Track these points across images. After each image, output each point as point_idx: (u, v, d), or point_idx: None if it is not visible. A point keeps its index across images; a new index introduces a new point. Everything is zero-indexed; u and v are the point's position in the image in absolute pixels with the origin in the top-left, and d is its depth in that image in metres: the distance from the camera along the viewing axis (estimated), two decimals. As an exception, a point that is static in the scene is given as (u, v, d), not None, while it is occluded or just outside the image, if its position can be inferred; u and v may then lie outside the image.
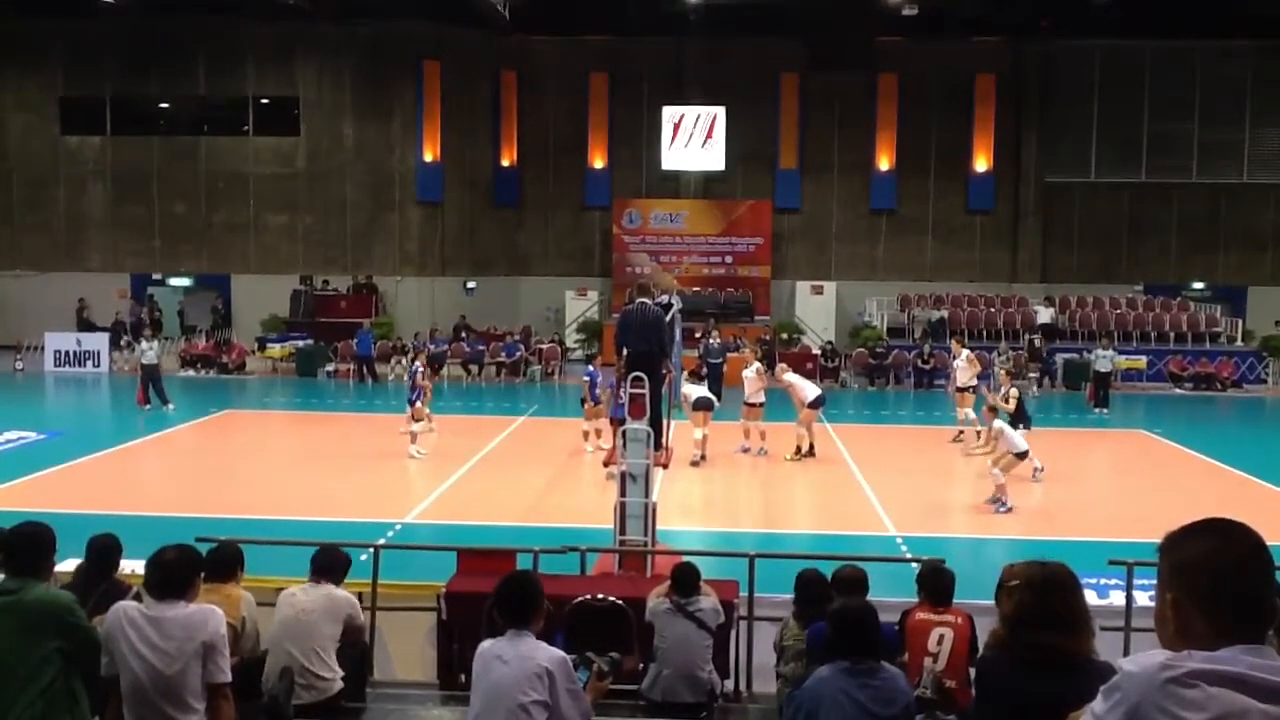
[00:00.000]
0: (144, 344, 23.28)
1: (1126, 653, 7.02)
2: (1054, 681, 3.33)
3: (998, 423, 15.13)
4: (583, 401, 18.15)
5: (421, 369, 18.81)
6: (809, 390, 18.01)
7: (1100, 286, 32.30)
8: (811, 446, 18.04)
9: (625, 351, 10.58)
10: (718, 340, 24.51)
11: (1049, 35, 31.13)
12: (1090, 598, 7.61)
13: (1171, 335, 29.80)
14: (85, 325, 31.22)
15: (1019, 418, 16.25)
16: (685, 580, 6.72)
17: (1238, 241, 32.59)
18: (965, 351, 19.77)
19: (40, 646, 4.36)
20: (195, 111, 33.20)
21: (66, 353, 28.82)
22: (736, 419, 18.63)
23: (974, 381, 19.37)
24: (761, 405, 18.41)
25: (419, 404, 18.13)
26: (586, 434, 17.96)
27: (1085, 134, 32.89)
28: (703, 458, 17.26)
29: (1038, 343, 28.68)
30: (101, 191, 32.96)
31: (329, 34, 31.21)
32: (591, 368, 18.53)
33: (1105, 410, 23.80)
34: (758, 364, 18.91)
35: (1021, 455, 14.72)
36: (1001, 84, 32.25)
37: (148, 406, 22.43)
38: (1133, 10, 28.02)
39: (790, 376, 18.32)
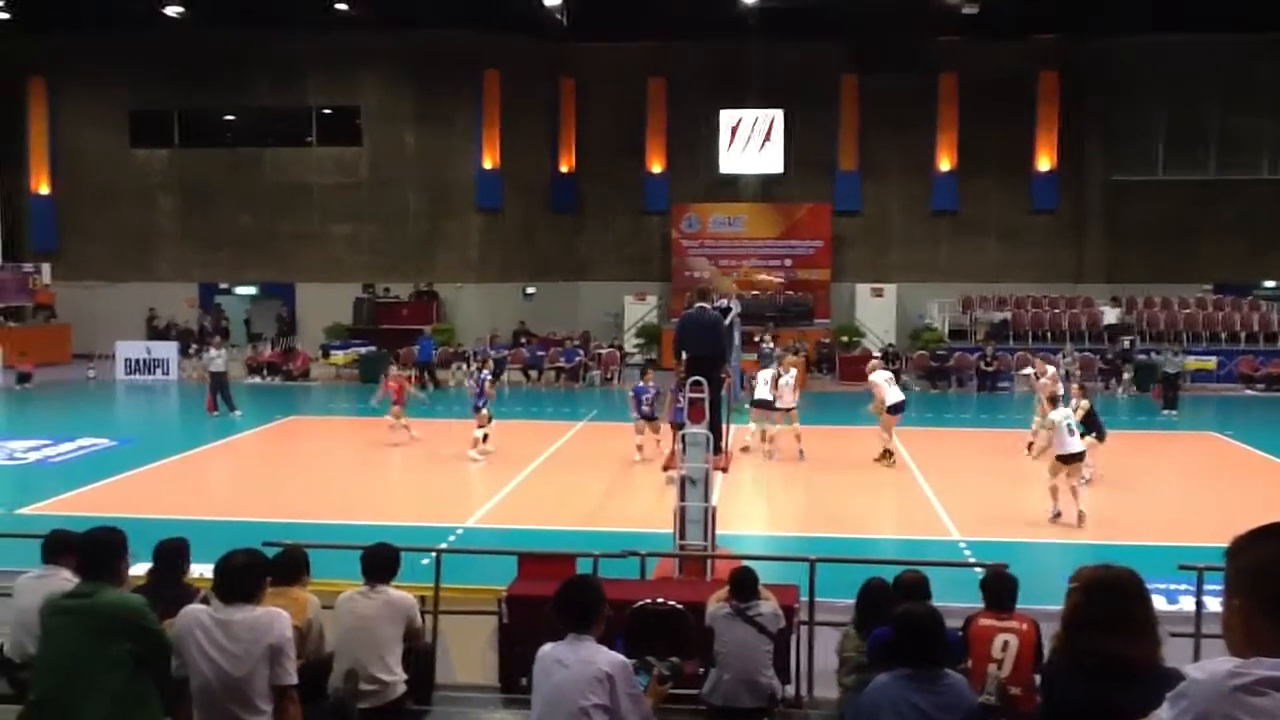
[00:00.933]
0: (212, 352, 23.72)
1: (1196, 659, 6.89)
2: (1116, 688, 3.26)
3: (1055, 415, 14.25)
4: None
5: (489, 376, 19.06)
6: (890, 395, 17.73)
7: (1168, 286, 31.68)
8: (889, 453, 17.73)
9: (684, 355, 10.60)
10: (770, 344, 24.49)
11: (1110, 31, 30.61)
12: (1159, 603, 7.48)
13: (1242, 335, 29.18)
14: (155, 334, 31.89)
15: (1092, 426, 15.60)
16: (744, 584, 6.70)
17: (1310, 239, 31.81)
18: (1050, 369, 18.63)
19: (112, 649, 4.46)
20: (259, 123, 33.79)
21: (137, 360, 29.42)
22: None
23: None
24: (790, 410, 18.41)
25: (484, 410, 18.31)
26: (640, 446, 17.50)
27: (1150, 131, 32.34)
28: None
29: (1128, 344, 28.08)
30: (170, 203, 33.68)
31: (388, 44, 31.62)
32: (641, 383, 17.79)
33: (1174, 412, 23.35)
34: (795, 370, 18.93)
35: (1068, 458, 13.85)
36: (1063, 81, 31.81)
37: (216, 413, 22.83)
38: (1196, 4, 27.48)
39: (876, 376, 18.05)
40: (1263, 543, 2.16)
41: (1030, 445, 17.62)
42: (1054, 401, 15.19)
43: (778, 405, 18.33)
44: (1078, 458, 13.93)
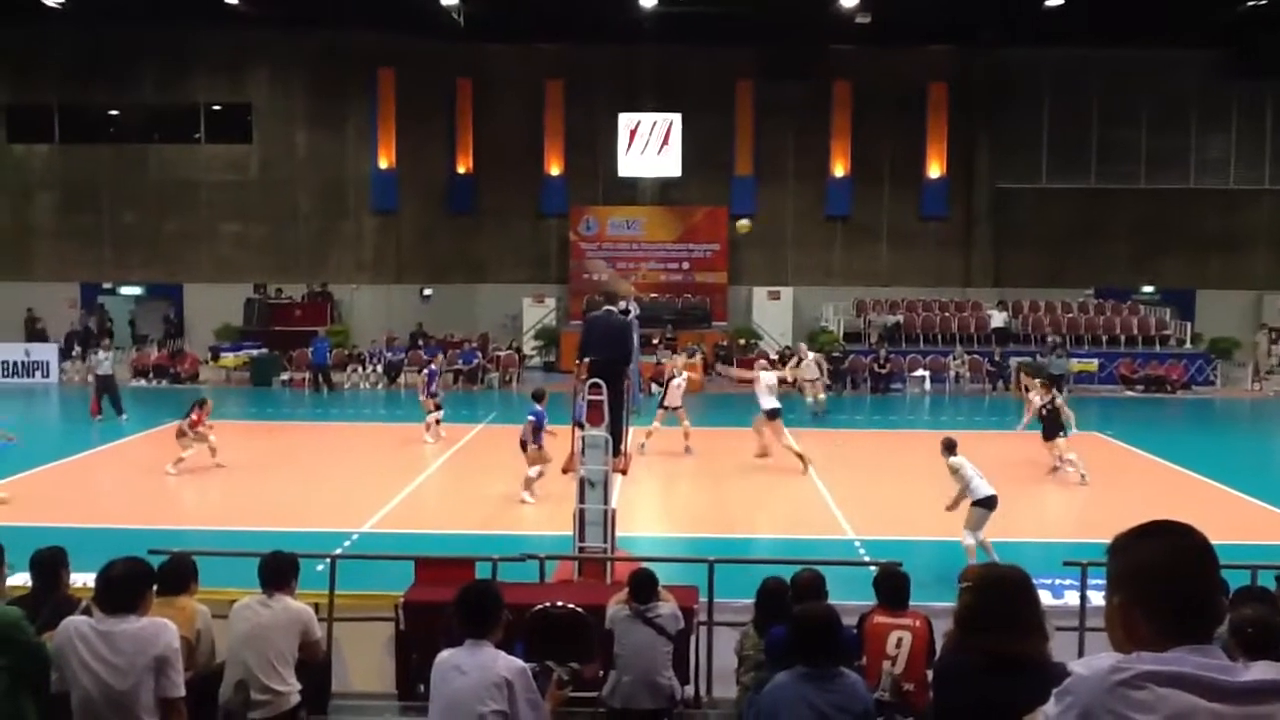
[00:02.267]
0: (100, 354, 23.00)
1: (1081, 653, 7.11)
2: (1007, 683, 3.34)
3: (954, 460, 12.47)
4: (523, 445, 15.35)
5: (438, 370, 21.35)
6: (766, 402, 17.90)
7: (1052, 290, 32.72)
8: (801, 456, 17.43)
9: (587, 359, 10.58)
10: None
11: (1000, 44, 31.49)
12: (1045, 598, 7.71)
13: (1122, 338, 30.22)
14: (35, 336, 30.74)
15: (1053, 425, 16.22)
16: (644, 586, 6.71)
17: (1186, 246, 33.13)
18: (1037, 381, 18.62)
19: (-12, 664, 4.28)
20: (145, 119, 32.76)
21: (15, 363, 28.37)
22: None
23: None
24: (677, 409, 18.95)
25: (435, 398, 20.03)
26: (529, 481, 15.24)
27: (1036, 141, 33.34)
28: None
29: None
30: (49, 200, 32.48)
31: (281, 41, 30.99)
32: (539, 407, 15.39)
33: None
34: (686, 372, 19.49)
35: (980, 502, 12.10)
36: (954, 91, 32.60)
37: (100, 417, 22.12)
38: (1080, 19, 28.40)
39: (765, 377, 18.21)
40: (1142, 542, 2.22)
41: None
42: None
43: (665, 404, 18.71)
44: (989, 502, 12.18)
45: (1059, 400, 17.61)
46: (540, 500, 14.99)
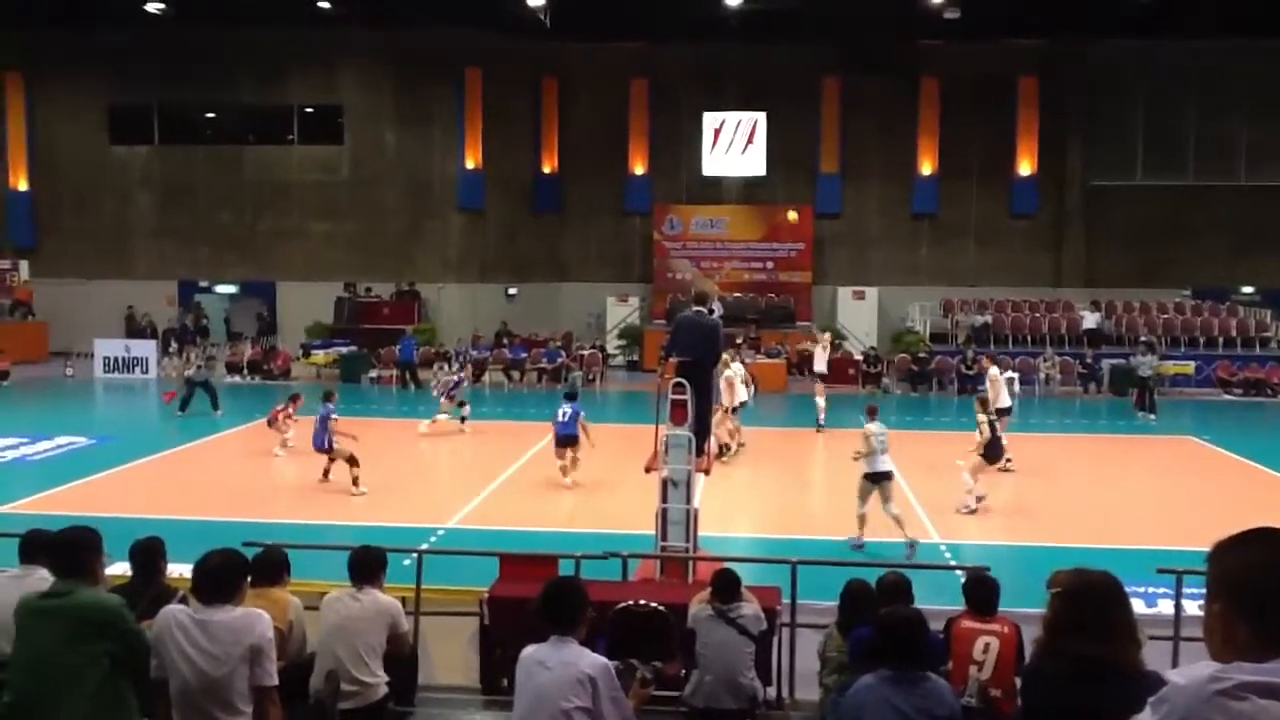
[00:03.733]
0: (194, 363, 24.27)
1: (1175, 663, 6.94)
2: (1097, 691, 3.29)
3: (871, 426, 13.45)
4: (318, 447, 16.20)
5: (464, 379, 21.82)
6: (729, 396, 17.92)
7: (1147, 290, 31.88)
8: (726, 447, 17.83)
9: (673, 358, 10.57)
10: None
11: (1092, 36, 30.80)
12: (1138, 606, 7.53)
13: (1220, 340, 29.37)
14: (136, 332, 31.68)
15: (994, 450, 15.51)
16: (726, 586, 6.70)
17: (1288, 244, 32.06)
18: (993, 369, 18.66)
19: (89, 649, 4.42)
20: (240, 121, 33.62)
21: (115, 359, 29.25)
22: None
23: (1008, 403, 18.07)
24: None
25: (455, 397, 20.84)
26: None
27: (1130, 136, 32.52)
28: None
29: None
30: (149, 200, 33.48)
31: (371, 42, 31.54)
32: (330, 405, 16.43)
33: (1152, 416, 23.48)
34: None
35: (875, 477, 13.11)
36: (1044, 86, 31.96)
37: (171, 402, 22.93)
38: (1176, 9, 27.66)
39: (731, 371, 18.20)
40: (1244, 548, 2.16)
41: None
42: (984, 404, 15.55)
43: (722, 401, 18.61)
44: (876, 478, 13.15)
45: (999, 430, 16.30)
46: (625, 497, 15.02)
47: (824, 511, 15.57)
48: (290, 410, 18.72)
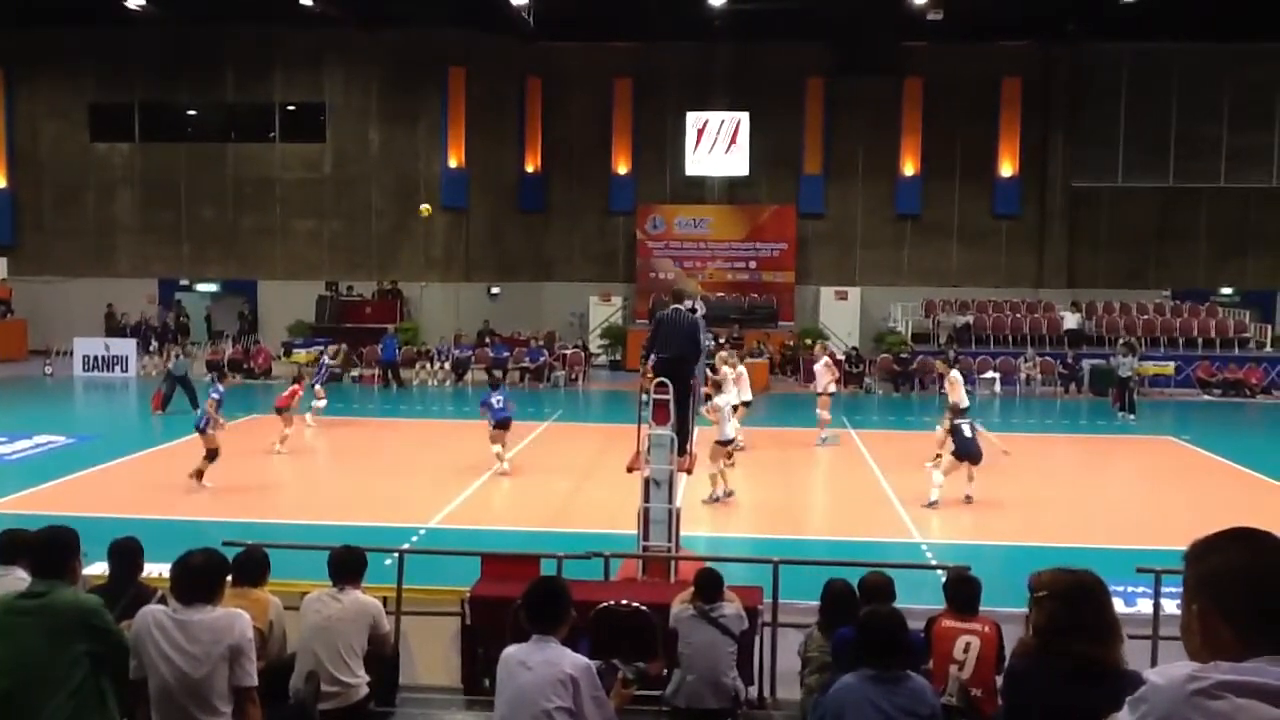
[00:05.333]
0: (177, 357, 23.82)
1: (1154, 661, 6.97)
2: (1085, 691, 3.32)
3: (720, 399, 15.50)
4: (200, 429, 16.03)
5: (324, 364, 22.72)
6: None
7: (1128, 291, 32.07)
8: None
9: (653, 356, 10.56)
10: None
11: (1075, 38, 30.95)
12: (1118, 605, 7.55)
13: (1200, 341, 29.56)
14: (116, 330, 31.49)
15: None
16: (708, 586, 6.71)
17: (1267, 246, 32.29)
18: (953, 372, 18.08)
19: (69, 649, 4.39)
20: (223, 118, 33.46)
21: (95, 357, 29.07)
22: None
23: (966, 403, 17.26)
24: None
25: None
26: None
27: (1112, 138, 32.68)
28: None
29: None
30: (130, 197, 33.29)
31: (355, 41, 31.45)
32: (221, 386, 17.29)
33: (1132, 416, 23.62)
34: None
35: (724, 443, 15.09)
36: (1028, 88, 32.09)
37: (160, 413, 22.74)
38: (1160, 13, 27.81)
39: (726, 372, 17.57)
40: (1222, 548, 2.17)
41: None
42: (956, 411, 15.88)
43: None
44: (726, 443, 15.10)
45: (979, 430, 16.06)
46: (606, 496, 15.01)
47: (806, 511, 15.60)
48: (295, 393, 19.13)
